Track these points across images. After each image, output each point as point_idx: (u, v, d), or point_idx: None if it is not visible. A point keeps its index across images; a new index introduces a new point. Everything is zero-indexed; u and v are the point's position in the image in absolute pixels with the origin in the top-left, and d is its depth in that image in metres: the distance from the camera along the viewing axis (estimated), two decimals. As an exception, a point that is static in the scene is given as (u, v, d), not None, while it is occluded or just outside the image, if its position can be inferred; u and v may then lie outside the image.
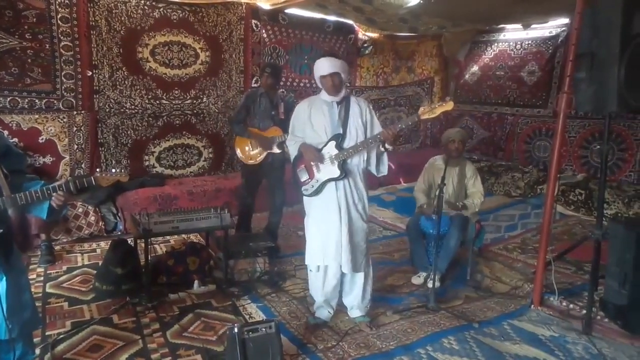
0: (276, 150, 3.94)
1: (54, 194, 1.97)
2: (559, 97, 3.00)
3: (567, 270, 3.77)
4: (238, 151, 4.11)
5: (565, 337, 2.84)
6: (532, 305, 3.19)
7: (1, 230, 1.88)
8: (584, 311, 2.97)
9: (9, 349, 2.00)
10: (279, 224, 4.25)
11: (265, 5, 5.79)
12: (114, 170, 2.17)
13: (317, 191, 2.79)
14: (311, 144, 2.81)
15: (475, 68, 7.56)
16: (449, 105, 2.63)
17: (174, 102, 5.40)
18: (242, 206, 4.25)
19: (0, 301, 1.92)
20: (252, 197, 4.19)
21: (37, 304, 3.05)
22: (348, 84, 6.80)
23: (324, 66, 2.73)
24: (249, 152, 4.03)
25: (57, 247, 4.12)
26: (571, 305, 3.17)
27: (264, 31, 5.91)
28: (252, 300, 3.28)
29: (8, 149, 2.08)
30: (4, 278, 1.96)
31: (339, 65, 2.74)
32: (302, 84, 6.38)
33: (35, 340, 2.52)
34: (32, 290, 3.22)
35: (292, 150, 2.89)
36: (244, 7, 5.66)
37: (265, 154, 3.97)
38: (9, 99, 4.45)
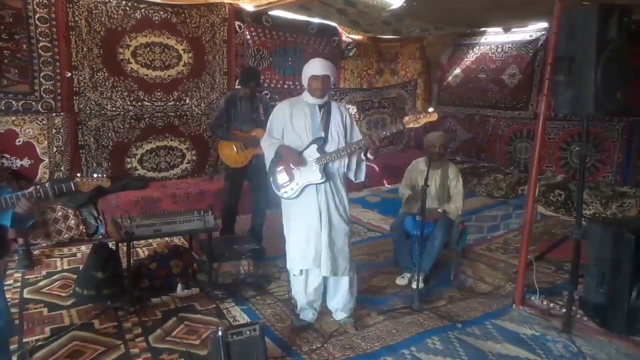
0: (261, 150, 3.90)
1: (18, 201, 1.90)
2: (538, 100, 3.06)
3: (547, 269, 3.84)
4: (223, 155, 4.07)
5: (546, 336, 2.89)
6: (514, 305, 3.24)
7: None
8: (564, 310, 3.03)
9: None
10: (262, 225, 4.23)
11: (249, 7, 5.78)
12: (95, 175, 2.11)
13: (297, 194, 2.77)
14: (290, 146, 2.79)
15: (457, 70, 7.65)
16: (433, 117, 2.68)
17: (156, 104, 5.34)
18: (226, 209, 4.22)
19: None
20: (236, 199, 4.17)
21: (15, 310, 3.00)
22: (332, 86, 6.87)
23: (317, 66, 2.74)
24: (234, 155, 4.00)
25: (35, 252, 4.03)
26: (552, 304, 3.23)
27: (247, 33, 5.89)
28: (236, 303, 3.25)
29: None
30: None
31: (330, 68, 2.78)
32: (285, 86, 6.38)
33: (12, 347, 2.46)
34: (9, 296, 3.17)
35: (268, 152, 2.83)
36: (227, 8, 5.64)
37: (251, 155, 3.95)
38: (-15, 100, 4.35)
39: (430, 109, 2.73)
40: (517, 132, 6.89)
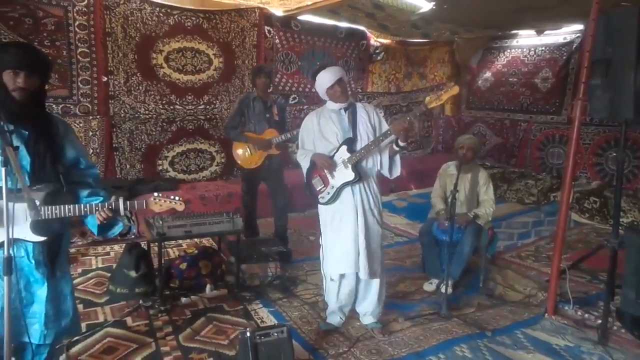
0: (275, 151, 3.99)
1: (97, 213, 1.90)
2: (573, 104, 2.98)
3: (581, 279, 3.72)
4: (236, 156, 4.13)
5: (580, 347, 2.80)
6: (546, 314, 3.15)
7: (44, 238, 1.86)
8: (600, 321, 2.93)
9: (32, 352, 1.96)
10: (286, 227, 4.26)
11: (278, 12, 5.85)
12: (172, 197, 2.02)
13: (334, 198, 2.77)
14: (323, 152, 2.81)
15: (487, 74, 7.52)
16: (454, 90, 2.59)
17: (187, 108, 5.46)
18: (245, 210, 4.27)
19: (40, 306, 1.90)
20: (253, 200, 4.22)
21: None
22: (360, 89, 6.88)
23: (326, 78, 2.77)
24: (247, 156, 4.06)
25: (71, 250, 4.16)
26: (586, 315, 3.12)
27: (276, 37, 5.96)
28: (263, 304, 3.29)
29: (77, 160, 2.02)
30: (46, 284, 1.91)
31: (338, 71, 2.81)
32: (313, 90, 6.36)
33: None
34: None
35: (304, 163, 2.88)
36: (257, 13, 5.72)
37: (264, 156, 4.00)
38: (27, 104, 4.54)
39: (451, 83, 2.67)
40: (550, 137, 6.71)
